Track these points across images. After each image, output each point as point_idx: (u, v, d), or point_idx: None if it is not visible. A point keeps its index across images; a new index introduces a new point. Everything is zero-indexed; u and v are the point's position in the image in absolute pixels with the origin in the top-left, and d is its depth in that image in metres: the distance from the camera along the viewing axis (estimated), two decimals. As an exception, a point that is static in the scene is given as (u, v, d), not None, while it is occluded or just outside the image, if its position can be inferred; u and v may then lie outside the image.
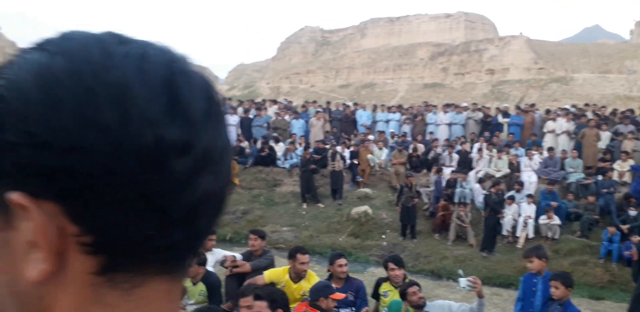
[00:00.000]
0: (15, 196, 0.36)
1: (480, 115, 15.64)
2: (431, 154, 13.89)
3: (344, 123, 17.11)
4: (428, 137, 15.20)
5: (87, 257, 0.37)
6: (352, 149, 14.35)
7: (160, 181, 0.37)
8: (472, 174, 12.77)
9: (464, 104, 17.73)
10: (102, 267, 0.38)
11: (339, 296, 4.53)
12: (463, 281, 4.21)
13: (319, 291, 4.29)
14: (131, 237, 0.38)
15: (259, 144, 15.21)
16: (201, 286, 5.10)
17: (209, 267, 5.44)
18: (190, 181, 0.38)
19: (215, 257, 5.76)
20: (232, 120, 16.47)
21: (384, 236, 11.71)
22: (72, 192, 0.36)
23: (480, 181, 12.21)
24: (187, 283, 5.03)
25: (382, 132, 15.81)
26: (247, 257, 5.80)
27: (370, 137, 15.31)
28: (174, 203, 0.38)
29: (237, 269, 5.46)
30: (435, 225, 11.61)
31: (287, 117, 16.63)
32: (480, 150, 13.36)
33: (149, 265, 0.39)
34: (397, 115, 16.92)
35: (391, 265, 5.16)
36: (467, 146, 14.03)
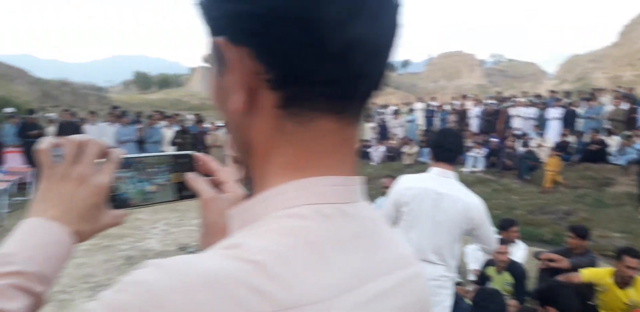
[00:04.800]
0: (219, 39, 0.48)
1: None
2: None
3: None
4: None
5: (270, 93, 0.48)
6: None
7: (320, 18, 0.44)
8: None
9: None
10: (282, 101, 0.48)
11: None
12: None
13: None
14: (299, 69, 0.46)
15: (587, 138, 13.45)
16: (507, 276, 4.83)
17: (515, 258, 5.16)
18: (344, 22, 0.45)
19: (519, 249, 5.53)
20: (556, 112, 15.07)
21: None
22: (258, 34, 0.46)
23: None
24: (492, 271, 4.94)
25: None
26: (564, 254, 5.17)
27: None
28: (330, 38, 0.45)
29: (554, 264, 4.89)
30: None
31: (623, 106, 14.21)
32: None
33: (316, 100, 0.48)
34: None
35: None
36: None
